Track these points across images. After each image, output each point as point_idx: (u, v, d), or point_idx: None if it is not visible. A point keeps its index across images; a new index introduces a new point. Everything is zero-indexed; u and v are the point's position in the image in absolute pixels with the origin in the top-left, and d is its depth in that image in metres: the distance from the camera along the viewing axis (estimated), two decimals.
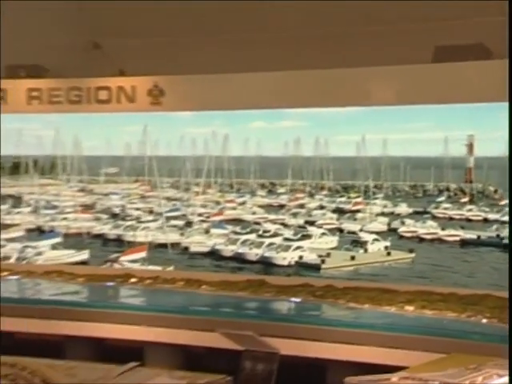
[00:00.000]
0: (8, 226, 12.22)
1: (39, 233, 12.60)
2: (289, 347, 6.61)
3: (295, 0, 9.14)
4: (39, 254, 10.76)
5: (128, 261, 10.34)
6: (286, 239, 12.42)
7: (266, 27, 9.75)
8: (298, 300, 8.75)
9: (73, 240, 11.83)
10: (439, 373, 4.57)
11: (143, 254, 10.88)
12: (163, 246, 12.35)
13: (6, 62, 10.68)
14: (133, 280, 10.06)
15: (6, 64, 10.71)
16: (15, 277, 10.58)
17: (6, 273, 10.67)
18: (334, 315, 8.12)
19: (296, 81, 9.29)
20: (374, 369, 5.56)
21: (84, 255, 10.88)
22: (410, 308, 8.08)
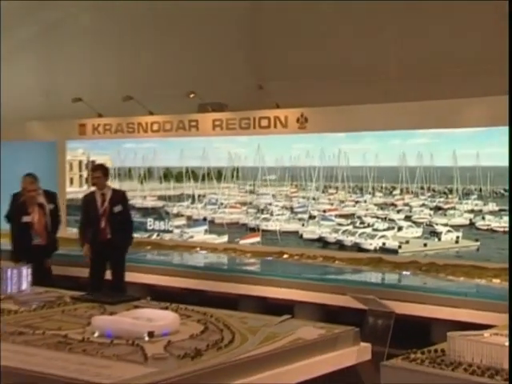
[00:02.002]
0: (181, 217, 12.39)
1: (194, 221, 12.59)
2: (402, 308, 6.53)
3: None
4: (191, 237, 10.87)
5: (246, 243, 10.35)
6: (375, 229, 12.01)
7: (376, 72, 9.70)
8: (408, 273, 8.61)
9: (220, 228, 11.79)
10: None
11: (258, 239, 10.77)
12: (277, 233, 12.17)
13: (198, 101, 10.99)
14: (285, 256, 10.07)
15: (199, 103, 11.03)
16: (203, 252, 10.78)
17: (198, 248, 10.91)
18: (436, 285, 7.96)
19: (401, 110, 9.22)
20: (469, 327, 5.40)
21: (224, 238, 10.92)
22: (496, 280, 7.84)
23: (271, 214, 10.91)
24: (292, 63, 10.71)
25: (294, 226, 10.67)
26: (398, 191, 9.77)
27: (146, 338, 5.05)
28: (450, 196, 9.30)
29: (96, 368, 4.43)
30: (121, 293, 7.64)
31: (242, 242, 11.00)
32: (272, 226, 10.85)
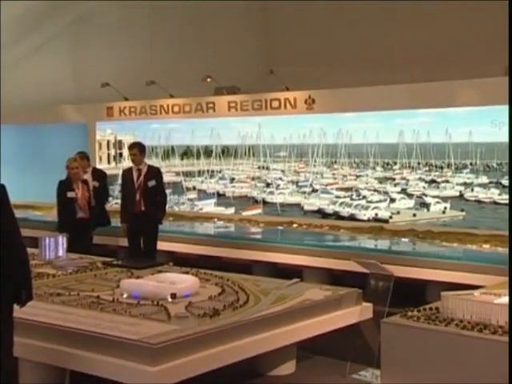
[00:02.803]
0: (193, 190, 12.21)
1: (204, 195, 12.37)
2: (400, 271, 6.53)
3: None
4: (200, 209, 10.75)
5: (248, 215, 10.17)
6: (369, 201, 11.75)
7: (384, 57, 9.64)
8: (406, 239, 8.61)
9: (227, 200, 11.62)
10: (504, 290, 4.45)
11: (259, 211, 10.57)
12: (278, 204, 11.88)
13: (215, 85, 10.97)
14: (294, 225, 10.06)
15: (215, 87, 11.00)
16: (220, 222, 10.80)
17: (215, 219, 10.93)
18: (431, 250, 7.95)
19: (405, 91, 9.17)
20: (461, 287, 5.43)
21: (231, 210, 10.78)
22: (486, 246, 7.82)
23: (277, 188, 10.93)
24: (300, 49, 10.67)
25: (296, 199, 10.69)
26: (397, 166, 9.73)
27: (169, 299, 5.12)
28: (444, 170, 9.26)
29: (125, 325, 4.50)
30: (149, 259, 7.70)
31: (244, 213, 11.04)
32: (276, 198, 10.86)
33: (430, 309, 4.16)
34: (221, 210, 11.40)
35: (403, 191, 9.66)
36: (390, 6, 9.36)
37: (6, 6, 12.54)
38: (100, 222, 8.69)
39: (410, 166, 9.57)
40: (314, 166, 10.57)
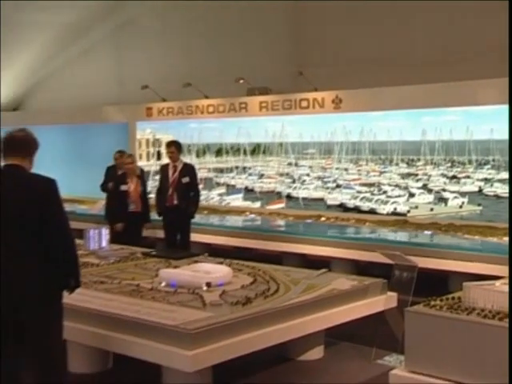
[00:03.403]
0: (222, 186, 12.02)
1: (232, 190, 12.15)
2: (424, 262, 6.46)
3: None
4: (228, 203, 10.56)
5: (272, 209, 10.00)
6: (388, 196, 11.42)
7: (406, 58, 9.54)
8: (429, 232, 8.50)
9: (253, 195, 11.40)
10: None
11: (283, 205, 10.37)
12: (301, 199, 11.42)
13: (247, 86, 10.98)
14: (322, 219, 10.02)
15: (247, 87, 10.99)
16: (252, 215, 10.79)
17: (247, 212, 10.93)
18: (454, 242, 7.84)
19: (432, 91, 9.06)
20: (482, 278, 5.35)
21: (257, 204, 10.65)
22: (506, 238, 7.67)
23: (302, 183, 10.88)
24: (328, 51, 10.64)
25: (320, 194, 10.65)
26: (421, 163, 9.62)
27: (205, 288, 5.14)
28: (466, 166, 9.13)
29: (163, 312, 4.53)
30: (184, 250, 7.73)
31: (268, 207, 11.04)
32: (301, 193, 10.83)
33: (453, 298, 4.11)
34: (248, 204, 11.41)
35: (424, 186, 9.56)
36: (413, 6, 9.27)
37: (57, 14, 12.71)
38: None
39: (432, 163, 9.45)
40: (340, 162, 10.51)
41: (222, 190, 11.68)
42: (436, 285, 6.68)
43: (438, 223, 8.84)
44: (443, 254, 7.33)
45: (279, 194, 11.07)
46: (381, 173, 10.16)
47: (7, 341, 3.73)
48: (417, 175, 9.69)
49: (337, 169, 10.56)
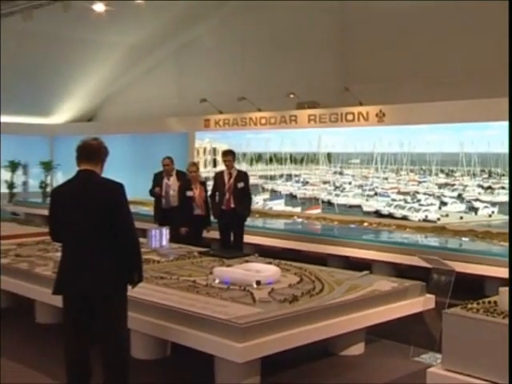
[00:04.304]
0: (266, 191, 11.58)
1: (275, 195, 11.88)
2: (461, 267, 6.31)
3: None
4: (270, 208, 10.20)
5: (309, 213, 9.71)
6: (421, 204, 11.00)
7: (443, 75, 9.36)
8: (466, 239, 8.29)
9: (294, 200, 10.98)
10: None
11: (319, 210, 10.04)
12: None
13: (297, 100, 10.99)
14: (365, 224, 9.90)
15: (297, 102, 11.01)
16: (299, 219, 10.75)
17: (295, 217, 10.89)
18: (490, 248, 7.62)
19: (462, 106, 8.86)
20: None
21: (298, 209, 10.28)
22: None
23: (341, 191, 10.78)
24: (373, 69, 10.58)
25: (357, 201, 10.53)
26: (458, 173, 9.40)
27: (255, 286, 5.13)
28: (502, 178, 8.87)
29: (216, 307, 4.54)
30: (237, 250, 7.73)
31: (306, 212, 11.01)
32: (340, 200, 10.73)
33: (489, 302, 3.98)
34: (289, 209, 11.40)
35: (459, 196, 9.34)
36: (454, 25, 9.11)
37: (126, 36, 13.00)
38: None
39: (469, 174, 9.24)
40: (383, 171, 10.37)
41: (266, 195, 11.67)
42: (473, 289, 6.49)
43: (475, 230, 8.61)
44: (480, 260, 7.13)
45: (316, 200, 11.02)
46: (419, 182, 9.97)
47: (82, 316, 3.83)
48: (453, 185, 9.48)
49: (377, 178, 10.43)
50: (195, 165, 8.56)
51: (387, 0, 10.06)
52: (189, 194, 8.09)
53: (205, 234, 8.43)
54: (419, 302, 5.43)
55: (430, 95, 9.35)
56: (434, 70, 9.66)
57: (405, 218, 9.68)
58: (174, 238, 7.47)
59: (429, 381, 3.76)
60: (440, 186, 9.62)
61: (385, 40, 10.40)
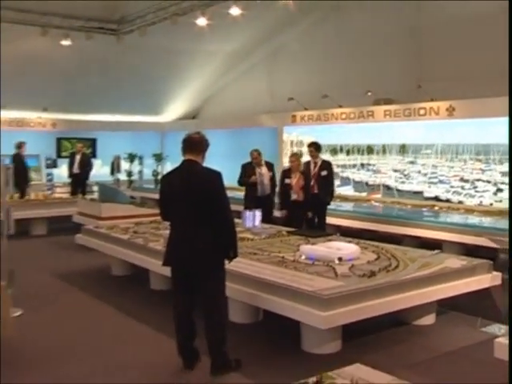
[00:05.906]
0: (338, 178, 10.90)
1: (345, 181, 11.23)
2: None
3: None
4: (339, 193, 9.40)
5: (372, 197, 9.18)
6: (476, 191, 10.14)
7: None
8: None
9: (361, 186, 10.28)
10: None
11: (379, 195, 9.49)
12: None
13: (374, 97, 10.78)
14: (436, 208, 9.55)
15: (374, 98, 10.78)
16: (376, 203, 10.53)
17: (372, 201, 10.68)
18: None
19: None
20: None
21: (364, 194, 9.71)
22: None
23: (407, 178, 10.42)
24: (442, 68, 10.19)
25: (420, 187, 10.16)
26: None
27: (337, 262, 5.10)
28: None
29: (303, 280, 4.56)
30: (320, 230, 7.70)
31: (369, 196, 10.81)
32: (405, 187, 10.38)
33: None
34: (357, 194, 11.22)
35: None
36: None
37: (224, 43, 13.18)
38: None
39: None
40: (452, 161, 9.94)
41: (337, 182, 11.47)
42: None
43: None
44: None
45: (384, 186, 10.76)
46: (483, 171, 9.46)
47: (187, 285, 3.97)
48: None
49: (445, 167, 10.01)
50: (295, 155, 8.50)
51: (459, 0, 9.60)
52: (287, 181, 8.08)
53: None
54: (486, 279, 5.21)
55: (496, 91, 8.85)
56: (502, 66, 9.13)
57: (460, 202, 9.27)
58: (269, 221, 7.44)
59: (496, 349, 3.61)
60: (503, 174, 9.09)
61: (456, 40, 9.97)
